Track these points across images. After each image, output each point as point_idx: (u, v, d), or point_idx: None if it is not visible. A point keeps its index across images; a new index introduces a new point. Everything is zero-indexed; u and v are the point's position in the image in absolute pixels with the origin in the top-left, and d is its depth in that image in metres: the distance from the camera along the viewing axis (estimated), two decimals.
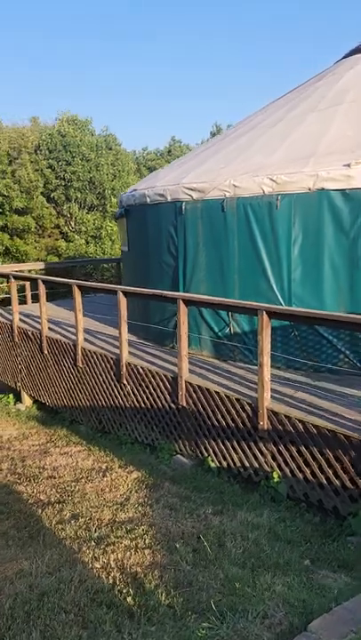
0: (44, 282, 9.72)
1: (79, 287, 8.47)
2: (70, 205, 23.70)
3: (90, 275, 21.34)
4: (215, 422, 6.13)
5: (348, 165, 6.32)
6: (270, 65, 62.56)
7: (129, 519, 5.00)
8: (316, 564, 4.12)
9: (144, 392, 7.22)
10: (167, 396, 6.81)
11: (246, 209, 6.90)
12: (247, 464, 5.77)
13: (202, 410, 6.29)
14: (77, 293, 8.38)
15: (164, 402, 6.88)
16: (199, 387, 6.31)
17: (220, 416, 6.06)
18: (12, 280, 11.01)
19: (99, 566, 4.06)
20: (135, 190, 9.21)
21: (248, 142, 8.05)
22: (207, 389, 6.20)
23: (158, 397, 6.97)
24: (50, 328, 9.76)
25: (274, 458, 5.49)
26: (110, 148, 25.39)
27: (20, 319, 10.87)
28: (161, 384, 6.90)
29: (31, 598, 3.61)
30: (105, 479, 6.17)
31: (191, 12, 58.49)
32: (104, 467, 6.65)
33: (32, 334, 10.03)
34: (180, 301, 6.33)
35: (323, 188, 6.40)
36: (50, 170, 23.05)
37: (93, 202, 24.25)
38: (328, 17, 57.96)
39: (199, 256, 7.54)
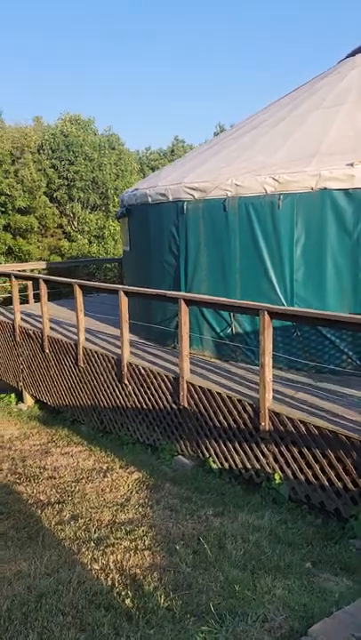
0: (46, 281, 9.69)
1: (80, 287, 8.44)
2: (73, 205, 23.70)
3: (93, 274, 21.33)
4: (217, 423, 6.09)
5: (351, 165, 6.27)
6: (270, 65, 62.58)
7: (129, 520, 4.96)
8: (318, 566, 4.08)
9: (145, 392, 7.19)
10: (168, 397, 6.77)
11: (248, 208, 6.86)
12: (249, 465, 5.73)
13: (203, 410, 6.25)
14: (79, 293, 8.35)
15: (165, 402, 6.85)
16: (200, 387, 6.27)
17: (221, 417, 6.02)
18: (14, 279, 10.99)
19: (98, 568, 4.03)
20: (137, 190, 9.18)
21: (250, 142, 8.01)
22: (209, 390, 6.16)
23: (160, 398, 6.94)
24: (51, 327, 9.74)
25: (275, 459, 5.45)
26: (113, 148, 25.39)
27: (22, 318, 10.86)
28: (162, 384, 6.86)
29: (29, 600, 3.58)
30: (105, 479, 6.14)
31: (191, 12, 58.56)
32: (105, 467, 6.62)
33: (33, 334, 10.01)
34: (182, 301, 6.29)
35: (325, 188, 6.35)
36: (53, 169, 23.06)
37: (96, 201, 24.25)
38: (328, 17, 57.97)
39: (201, 256, 7.50)
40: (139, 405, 7.34)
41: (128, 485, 5.88)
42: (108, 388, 7.97)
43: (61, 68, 58.40)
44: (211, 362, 7.33)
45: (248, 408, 5.68)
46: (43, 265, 16.32)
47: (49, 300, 10.45)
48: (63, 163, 23.06)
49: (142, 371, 7.19)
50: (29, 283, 13.89)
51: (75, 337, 8.78)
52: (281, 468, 5.38)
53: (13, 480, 6.37)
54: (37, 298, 10.34)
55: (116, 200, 23.05)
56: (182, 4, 58.24)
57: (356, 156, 6.33)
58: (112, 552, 4.27)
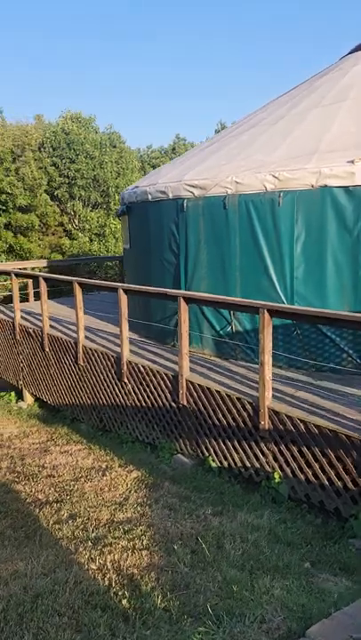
0: (46, 279, 9.66)
1: (80, 284, 8.41)
2: (74, 203, 23.66)
3: (94, 272, 21.32)
4: (216, 421, 6.05)
5: (352, 162, 6.22)
6: (270, 65, 62.38)
7: (127, 519, 4.93)
8: (317, 566, 4.04)
9: (145, 390, 7.15)
10: (168, 395, 6.74)
11: (248, 206, 6.82)
12: (248, 464, 5.69)
13: (202, 409, 6.22)
14: (78, 291, 8.32)
15: (164, 400, 6.82)
16: (200, 385, 6.23)
17: (220, 415, 5.99)
18: (14, 277, 10.96)
19: (95, 567, 3.99)
20: (137, 187, 9.14)
21: (250, 139, 7.96)
22: (208, 388, 6.12)
23: (159, 396, 6.91)
24: (51, 326, 9.71)
25: (275, 458, 5.42)
26: (114, 146, 25.34)
27: (22, 317, 10.83)
28: (162, 382, 6.83)
29: (25, 600, 3.55)
30: (104, 478, 6.11)
31: (191, 12, 58.37)
32: (104, 466, 6.59)
33: (33, 332, 9.98)
34: (181, 299, 6.26)
35: (326, 185, 6.30)
36: (54, 167, 23.03)
37: (97, 200, 24.21)
38: (328, 17, 57.77)
39: (201, 253, 7.46)
40: (138, 404, 7.31)
41: (127, 484, 5.85)
42: (108, 386, 7.94)
43: (61, 67, 58.40)
44: (210, 360, 7.30)
45: (247, 406, 5.64)
46: (44, 263, 16.30)
47: (50, 299, 10.43)
48: (64, 161, 23.01)
49: (142, 369, 7.15)
50: (30, 281, 13.86)
51: (74, 335, 8.75)
52: (281, 467, 5.34)
53: (12, 479, 6.34)
54: (38, 296, 10.31)
55: (117, 198, 22.99)
56: (182, 4, 58.16)
57: (357, 154, 6.27)
58: (110, 552, 4.24)
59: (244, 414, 5.69)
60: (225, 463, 5.97)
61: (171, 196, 7.83)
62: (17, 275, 11.21)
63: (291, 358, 6.57)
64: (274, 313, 5.29)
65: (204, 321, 7.50)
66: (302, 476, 5.13)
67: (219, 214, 7.15)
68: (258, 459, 5.58)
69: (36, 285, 10.54)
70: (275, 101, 9.31)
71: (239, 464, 5.79)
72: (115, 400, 7.81)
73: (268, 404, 5.40)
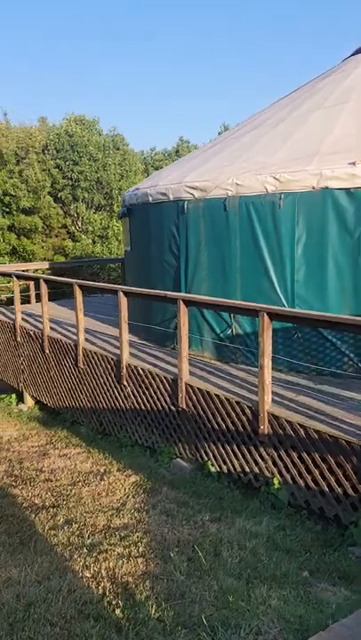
0: (47, 281, 9.62)
1: (80, 287, 8.35)
2: (77, 205, 23.63)
3: (97, 274, 21.28)
4: (215, 425, 5.98)
5: (354, 164, 6.15)
6: (270, 65, 62.27)
7: (124, 525, 4.86)
8: (316, 575, 3.96)
9: (144, 394, 7.09)
10: (167, 398, 6.67)
11: (249, 208, 6.75)
12: (247, 469, 5.61)
13: (202, 412, 6.14)
14: (78, 293, 8.27)
15: (163, 404, 6.75)
16: (199, 389, 6.16)
17: (219, 419, 5.91)
18: (15, 279, 10.93)
19: (89, 575, 3.93)
20: (138, 189, 9.09)
21: (252, 141, 7.90)
22: (207, 392, 6.05)
23: (158, 399, 6.84)
24: (52, 328, 9.66)
25: (274, 463, 5.34)
26: (118, 148, 25.31)
27: (23, 318, 10.79)
28: (161, 386, 6.76)
29: (17, 609, 3.48)
30: (102, 483, 6.04)
31: (191, 12, 58.29)
32: (102, 470, 6.52)
33: (34, 334, 9.94)
34: (181, 302, 6.19)
35: (327, 187, 6.23)
36: (57, 170, 23.01)
37: (101, 202, 24.18)
38: (328, 17, 57.63)
39: (201, 255, 7.40)
40: (138, 407, 7.24)
41: (125, 489, 5.78)
42: (108, 389, 7.87)
43: (62, 68, 58.46)
44: (210, 363, 7.23)
45: (247, 410, 5.56)
46: (46, 265, 16.25)
47: (52, 300, 10.40)
48: (68, 163, 22.99)
49: (141, 372, 7.09)
50: (31, 283, 13.83)
51: (74, 337, 8.69)
52: (280, 473, 5.26)
53: (9, 483, 6.28)
54: (39, 298, 10.26)
55: (120, 200, 22.97)
56: (182, 4, 58.10)
57: (359, 155, 6.20)
58: (105, 559, 4.17)
59: (244, 418, 5.61)
60: (224, 468, 5.89)
61: (171, 197, 7.77)
62: (18, 277, 11.17)
63: (291, 362, 6.49)
64: (273, 316, 5.22)
65: (204, 324, 7.44)
66: (302, 482, 5.05)
67: (219, 216, 7.09)
68: (257, 464, 5.50)
69: (38, 287, 10.51)
70: (277, 103, 9.25)
71: (238, 469, 5.71)
72: (114, 403, 7.75)
73: (268, 408, 5.32)
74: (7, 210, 21.33)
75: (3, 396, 11.22)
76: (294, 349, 6.58)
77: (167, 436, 6.73)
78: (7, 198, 21.05)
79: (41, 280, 9.59)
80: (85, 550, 4.36)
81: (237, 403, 5.67)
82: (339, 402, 5.49)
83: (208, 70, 61.08)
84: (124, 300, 7.25)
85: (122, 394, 7.55)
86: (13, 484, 6.24)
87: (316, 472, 4.92)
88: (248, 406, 5.54)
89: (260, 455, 5.46)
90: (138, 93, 60.26)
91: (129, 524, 4.88)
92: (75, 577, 3.90)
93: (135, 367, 7.21)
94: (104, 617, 3.37)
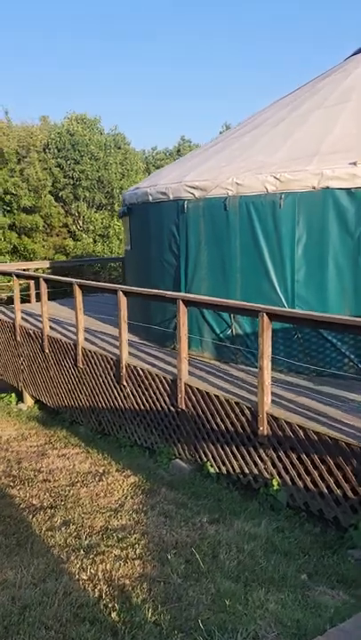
0: (47, 280, 9.59)
1: (80, 286, 8.32)
2: (78, 204, 23.59)
3: (98, 274, 21.24)
4: (214, 426, 5.95)
5: (354, 164, 6.11)
6: (270, 65, 62.07)
7: (122, 527, 4.83)
8: (314, 578, 3.93)
9: (143, 394, 7.06)
10: (166, 399, 6.64)
11: (249, 207, 6.71)
12: (247, 470, 5.58)
13: (201, 413, 6.11)
14: (78, 292, 8.24)
15: (163, 404, 6.72)
16: (198, 389, 6.13)
17: (218, 420, 5.88)
18: (15, 278, 10.90)
19: (85, 578, 3.89)
20: (138, 188, 9.05)
21: (252, 140, 7.86)
22: (206, 392, 6.02)
23: (157, 400, 6.81)
24: (51, 327, 9.63)
25: (274, 464, 5.30)
26: (119, 147, 25.26)
27: (23, 318, 10.76)
28: (160, 386, 6.73)
29: (12, 612, 3.45)
30: (101, 483, 6.01)
31: (191, 12, 58.10)
32: (101, 470, 6.49)
33: (34, 333, 9.91)
34: (180, 302, 6.16)
35: (328, 187, 6.19)
36: (58, 168, 22.96)
37: (102, 201, 24.13)
38: (328, 17, 57.43)
39: (201, 255, 7.36)
40: (137, 407, 7.21)
41: (123, 490, 5.75)
42: (107, 389, 7.84)
43: (62, 67, 58.37)
44: (210, 364, 7.19)
45: (246, 411, 5.53)
46: (47, 264, 16.22)
47: (52, 299, 10.36)
48: (69, 162, 22.95)
49: (140, 372, 7.06)
50: (31, 282, 13.80)
51: (74, 337, 8.66)
52: (279, 474, 5.23)
53: (7, 483, 6.25)
54: (40, 297, 10.23)
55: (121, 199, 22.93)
56: (182, 4, 57.93)
57: (360, 155, 6.16)
58: (102, 561, 4.14)
59: (243, 419, 5.58)
60: (223, 469, 5.86)
61: (171, 197, 7.74)
62: (18, 275, 11.14)
63: (291, 363, 6.45)
64: (273, 317, 5.18)
65: (204, 324, 7.40)
66: (301, 484, 5.01)
67: (219, 216, 7.05)
68: (256, 465, 5.47)
69: (38, 286, 10.48)
70: (277, 103, 9.21)
71: (237, 470, 5.68)
72: (113, 403, 7.72)
73: (267, 409, 5.28)
74: (8, 209, 21.30)
75: (2, 395, 11.19)
76: (294, 350, 6.54)
77: (166, 436, 6.70)
78: (8, 197, 21.03)
79: (41, 279, 9.56)
80: (82, 552, 4.33)
81: (237, 403, 5.64)
82: (339, 403, 5.45)
83: (208, 70, 61.00)
84: (123, 300, 7.22)
85: (121, 394, 7.52)
86: (11, 484, 6.21)
87: (316, 474, 4.88)
88: (248, 407, 5.51)
89: (260, 456, 5.43)
90: (139, 93, 60.28)
91: (127, 525, 4.85)
92: (71, 579, 3.87)
93: (135, 367, 7.18)
94: (100, 620, 3.34)
